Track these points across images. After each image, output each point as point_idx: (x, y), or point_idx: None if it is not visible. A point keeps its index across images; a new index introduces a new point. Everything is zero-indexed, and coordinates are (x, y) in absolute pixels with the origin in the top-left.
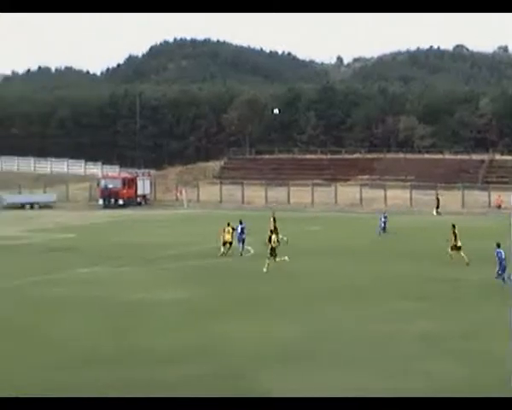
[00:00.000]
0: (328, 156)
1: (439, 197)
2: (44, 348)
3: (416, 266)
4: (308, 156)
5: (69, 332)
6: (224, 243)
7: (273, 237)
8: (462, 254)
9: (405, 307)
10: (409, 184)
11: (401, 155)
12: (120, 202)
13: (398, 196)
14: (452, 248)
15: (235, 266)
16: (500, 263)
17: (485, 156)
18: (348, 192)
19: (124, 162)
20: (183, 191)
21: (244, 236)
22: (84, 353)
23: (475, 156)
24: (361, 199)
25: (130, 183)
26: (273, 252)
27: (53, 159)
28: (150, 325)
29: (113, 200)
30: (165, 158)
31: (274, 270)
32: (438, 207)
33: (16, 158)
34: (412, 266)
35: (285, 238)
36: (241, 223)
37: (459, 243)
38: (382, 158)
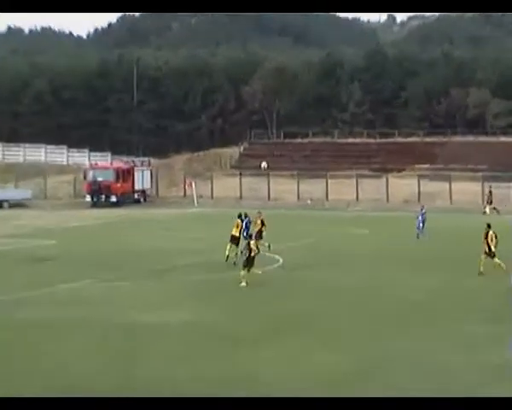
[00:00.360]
0: (377, 140)
1: (492, 190)
2: (23, 382)
3: (477, 276)
4: (351, 140)
5: (53, 365)
6: (232, 240)
7: (252, 243)
8: (483, 259)
9: (472, 331)
10: (480, 174)
11: (470, 139)
12: (113, 198)
13: (466, 189)
14: (487, 255)
15: (255, 280)
16: None
17: None
18: (402, 186)
19: (117, 149)
20: (193, 185)
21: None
22: (71, 388)
23: None
24: (419, 194)
25: (125, 175)
26: (249, 262)
27: (27, 145)
28: (155, 354)
29: (103, 196)
30: (169, 143)
31: (304, 283)
32: (491, 203)
33: None
34: (473, 276)
35: (266, 244)
36: (245, 216)
37: (493, 248)
38: (446, 142)
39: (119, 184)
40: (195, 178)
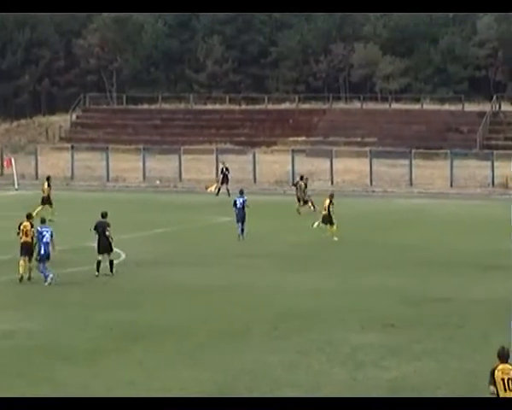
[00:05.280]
0: (242, 107)
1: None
2: None
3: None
4: (210, 107)
5: None
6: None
7: None
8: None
9: None
10: (368, 149)
11: (356, 105)
12: None
13: (351, 168)
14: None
15: (88, 279)
16: None
17: (487, 107)
18: (273, 163)
19: None
20: (12, 162)
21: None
22: None
23: (471, 107)
24: (293, 173)
25: None
26: None
27: None
28: None
29: None
30: None
31: (154, 284)
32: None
33: None
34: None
35: None
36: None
37: None
38: (327, 110)
39: None
40: (16, 153)
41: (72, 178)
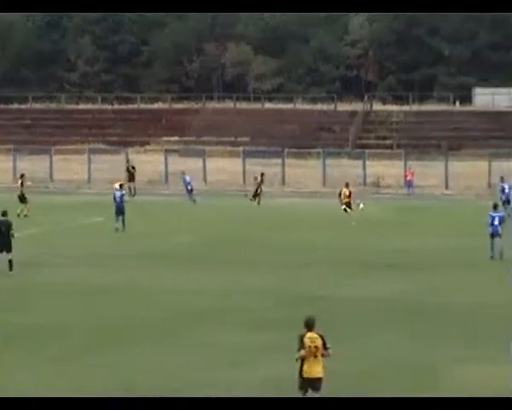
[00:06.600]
0: (115, 107)
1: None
2: None
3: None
4: (82, 107)
5: None
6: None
7: None
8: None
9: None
10: (241, 149)
11: (229, 105)
12: None
13: (224, 167)
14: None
15: None
16: None
17: (359, 106)
18: (146, 163)
19: None
20: None
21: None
22: None
23: (343, 106)
24: (167, 173)
25: None
26: None
27: None
28: None
29: None
30: None
31: (32, 287)
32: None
33: None
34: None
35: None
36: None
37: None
38: (200, 109)
39: None
40: None
41: None
